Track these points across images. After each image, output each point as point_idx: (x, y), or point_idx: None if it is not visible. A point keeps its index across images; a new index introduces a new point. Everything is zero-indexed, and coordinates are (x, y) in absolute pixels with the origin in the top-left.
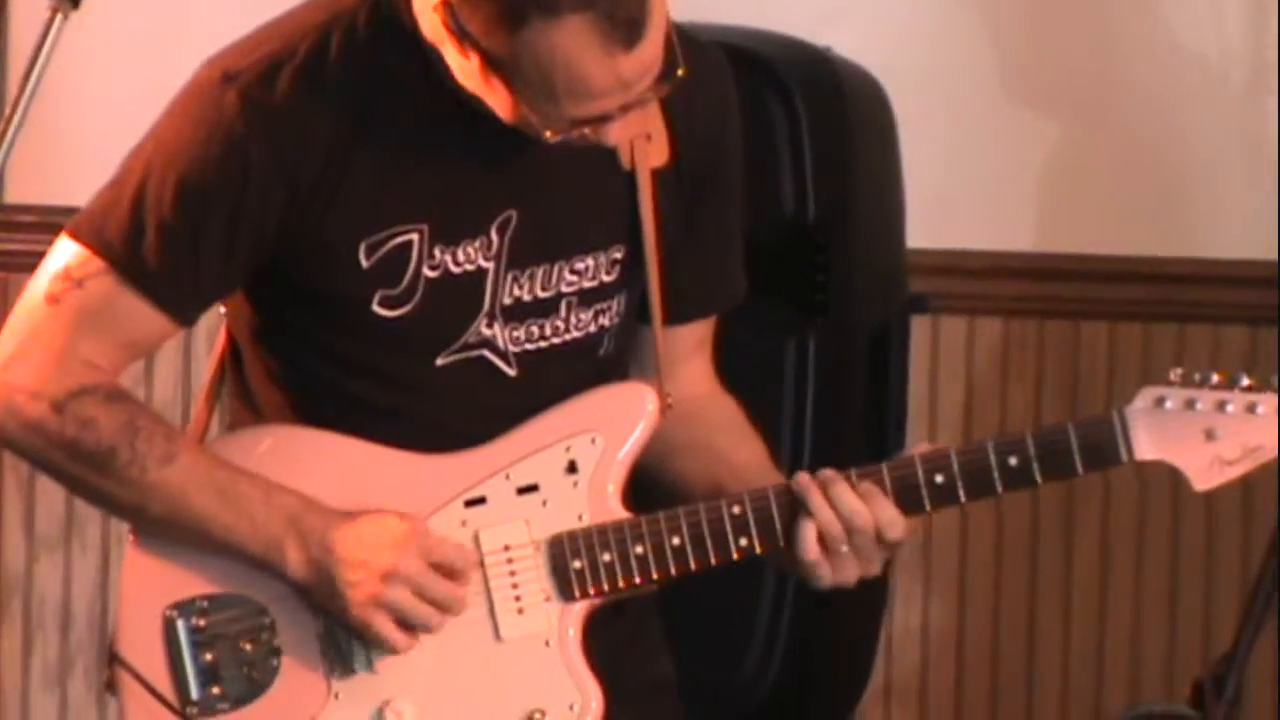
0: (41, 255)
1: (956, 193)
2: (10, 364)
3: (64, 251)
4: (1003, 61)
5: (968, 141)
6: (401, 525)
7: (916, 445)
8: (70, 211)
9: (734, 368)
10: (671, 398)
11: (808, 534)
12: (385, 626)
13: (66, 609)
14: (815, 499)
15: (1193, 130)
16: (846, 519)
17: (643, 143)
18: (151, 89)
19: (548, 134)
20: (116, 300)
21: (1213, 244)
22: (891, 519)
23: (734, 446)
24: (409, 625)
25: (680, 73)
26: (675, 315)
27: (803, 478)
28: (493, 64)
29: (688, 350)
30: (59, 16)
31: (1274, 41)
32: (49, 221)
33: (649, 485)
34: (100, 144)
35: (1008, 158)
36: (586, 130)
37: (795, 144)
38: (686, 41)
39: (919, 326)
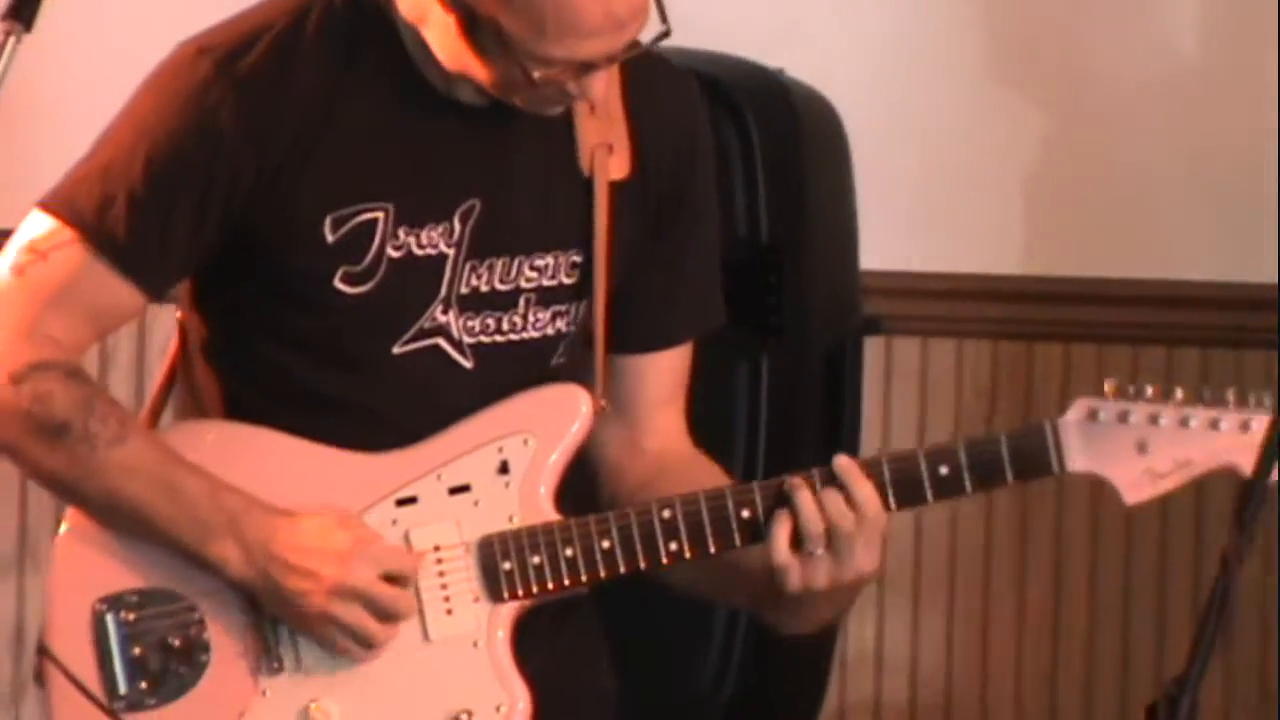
0: None
1: (909, 215)
2: None
3: (33, 224)
4: (957, 84)
5: (918, 164)
6: (347, 534)
7: (837, 457)
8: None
9: (688, 388)
10: (606, 403)
11: (780, 535)
12: (339, 641)
13: (20, 630)
14: (803, 497)
15: (1148, 147)
16: (833, 519)
17: (603, 153)
18: (107, 111)
19: (536, 74)
20: (83, 271)
21: (1165, 265)
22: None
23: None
24: (360, 638)
25: (664, 29)
26: (647, 342)
27: (793, 478)
28: (482, 9)
29: (664, 393)
30: (12, 39)
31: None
32: None
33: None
34: (52, 168)
35: (963, 179)
36: (570, 84)
37: (748, 165)
38: (660, 60)
39: (872, 347)
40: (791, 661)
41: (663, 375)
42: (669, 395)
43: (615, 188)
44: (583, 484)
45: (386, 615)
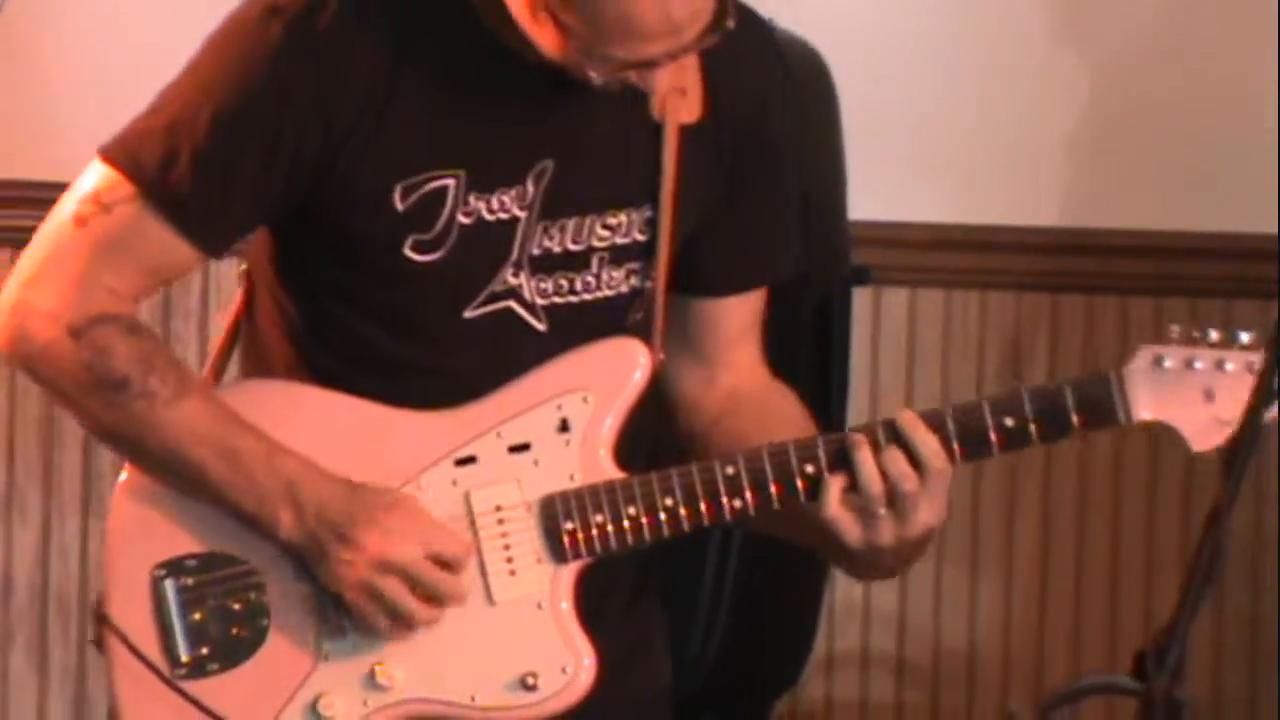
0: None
1: (898, 165)
2: (30, 284)
3: (94, 173)
4: (941, 33)
5: (908, 114)
6: (401, 510)
7: (901, 411)
8: (49, 187)
9: None
10: (662, 355)
11: (832, 490)
12: (374, 614)
13: (7, 581)
14: (863, 456)
15: (1127, 96)
16: (894, 481)
17: (675, 97)
18: (126, 69)
19: (593, 74)
20: (143, 227)
21: (1147, 216)
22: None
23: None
24: (397, 614)
25: (730, 24)
26: (720, 286)
27: (853, 435)
28: (538, 4)
29: (738, 332)
30: None
31: None
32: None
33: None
34: (75, 120)
35: (950, 131)
36: (632, 74)
37: None
38: (738, 6)
39: (861, 298)
40: (780, 613)
41: (736, 315)
42: (743, 333)
43: (686, 131)
44: (648, 424)
45: (429, 594)
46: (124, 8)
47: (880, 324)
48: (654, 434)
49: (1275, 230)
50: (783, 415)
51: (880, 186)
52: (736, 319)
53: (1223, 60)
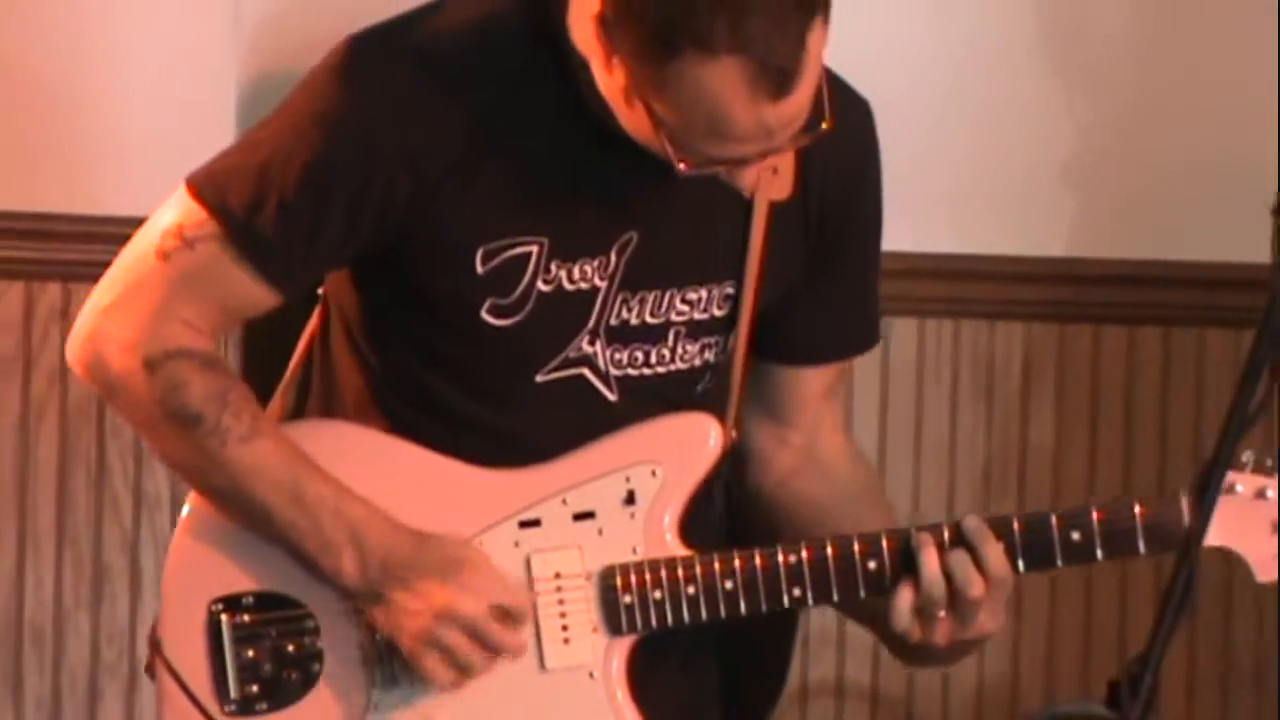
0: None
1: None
2: (109, 313)
3: (180, 205)
4: (914, 66)
5: (885, 147)
6: (466, 564)
7: (968, 516)
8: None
9: None
10: (735, 432)
11: (902, 601)
12: (434, 665)
13: None
14: (928, 558)
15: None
16: (958, 586)
17: (767, 175)
18: (171, 98)
19: (681, 165)
20: (225, 267)
21: (1120, 246)
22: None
23: (866, 521)
24: (458, 665)
25: (824, 126)
26: (799, 357)
27: (921, 535)
28: (637, 87)
29: (814, 397)
30: None
31: None
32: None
33: (762, 525)
34: (123, 152)
35: (921, 163)
36: (721, 169)
37: None
38: (834, 85)
39: None
40: (754, 642)
41: (816, 381)
42: (821, 397)
43: (775, 208)
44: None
45: (490, 647)
46: (127, 44)
47: None
48: (726, 486)
49: (1247, 259)
50: (853, 484)
51: None
52: (815, 384)
53: (1199, 92)
